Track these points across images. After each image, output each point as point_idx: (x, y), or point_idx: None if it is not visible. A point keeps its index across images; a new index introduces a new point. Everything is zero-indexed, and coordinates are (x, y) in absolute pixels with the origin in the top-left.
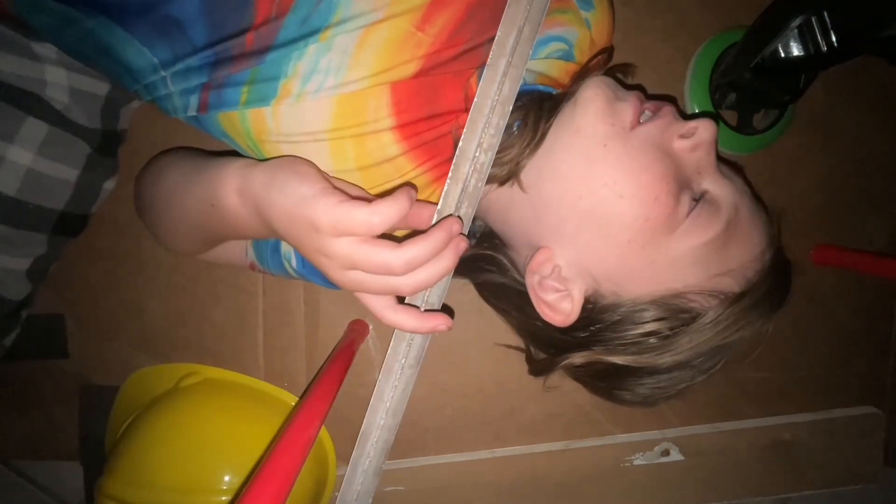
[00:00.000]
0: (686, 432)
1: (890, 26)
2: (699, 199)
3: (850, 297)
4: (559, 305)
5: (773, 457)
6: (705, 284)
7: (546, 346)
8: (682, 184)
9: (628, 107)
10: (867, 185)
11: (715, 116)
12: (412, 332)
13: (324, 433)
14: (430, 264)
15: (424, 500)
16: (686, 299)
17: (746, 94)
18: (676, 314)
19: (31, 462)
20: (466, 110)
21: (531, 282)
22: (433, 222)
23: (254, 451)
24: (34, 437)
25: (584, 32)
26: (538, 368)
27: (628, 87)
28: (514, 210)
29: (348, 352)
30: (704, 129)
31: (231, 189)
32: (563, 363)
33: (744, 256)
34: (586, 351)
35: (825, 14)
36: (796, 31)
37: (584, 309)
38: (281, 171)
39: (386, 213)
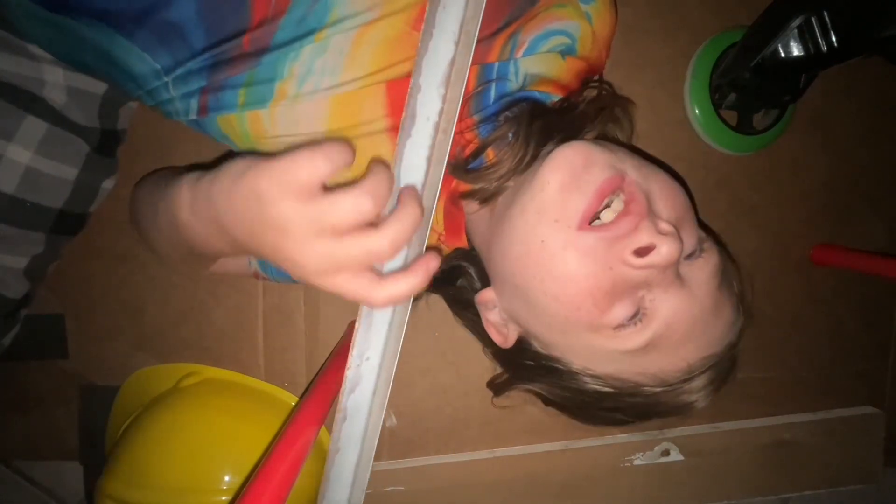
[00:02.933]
0: (686, 432)
1: (890, 26)
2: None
3: (850, 297)
4: (501, 328)
5: (773, 457)
6: (620, 376)
7: (502, 365)
8: (616, 297)
9: (583, 202)
10: (867, 186)
11: (715, 117)
12: (409, 294)
13: (324, 433)
14: (397, 218)
15: (424, 500)
16: (602, 380)
17: (746, 94)
18: (600, 382)
19: (31, 462)
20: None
21: (479, 307)
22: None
23: (254, 451)
24: (34, 437)
25: (586, 26)
26: (495, 386)
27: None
28: (477, 236)
29: (348, 352)
30: (662, 253)
31: (184, 203)
32: (514, 386)
33: (664, 365)
34: (531, 384)
35: (825, 14)
36: (796, 31)
37: (520, 345)
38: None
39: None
